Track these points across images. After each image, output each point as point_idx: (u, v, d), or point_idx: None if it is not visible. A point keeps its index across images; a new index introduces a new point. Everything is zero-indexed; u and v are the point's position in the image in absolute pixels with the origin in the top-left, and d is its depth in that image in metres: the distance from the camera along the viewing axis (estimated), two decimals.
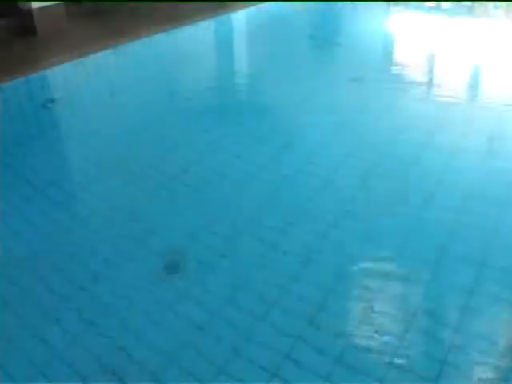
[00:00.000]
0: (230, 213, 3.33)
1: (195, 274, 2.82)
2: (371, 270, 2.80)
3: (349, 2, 9.50)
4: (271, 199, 3.48)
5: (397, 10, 10.43)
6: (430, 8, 10.53)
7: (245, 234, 3.12)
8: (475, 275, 2.69)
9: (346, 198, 3.44)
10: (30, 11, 7.17)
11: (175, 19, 7.94)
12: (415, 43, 7.38)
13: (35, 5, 7.19)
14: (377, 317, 2.48)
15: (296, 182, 3.66)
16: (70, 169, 4.25)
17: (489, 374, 2.17)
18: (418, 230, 3.08)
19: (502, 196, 3.37)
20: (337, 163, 3.87)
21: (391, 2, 9.92)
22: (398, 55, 7.20)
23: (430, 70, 6.39)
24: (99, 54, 6.50)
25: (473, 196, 3.39)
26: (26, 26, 7.23)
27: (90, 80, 6.24)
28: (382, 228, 3.12)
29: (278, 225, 3.17)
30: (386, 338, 2.36)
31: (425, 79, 5.99)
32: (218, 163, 3.96)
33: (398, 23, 9.04)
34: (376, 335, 2.38)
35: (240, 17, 8.86)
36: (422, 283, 2.69)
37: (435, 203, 3.33)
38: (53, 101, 5.34)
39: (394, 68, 6.50)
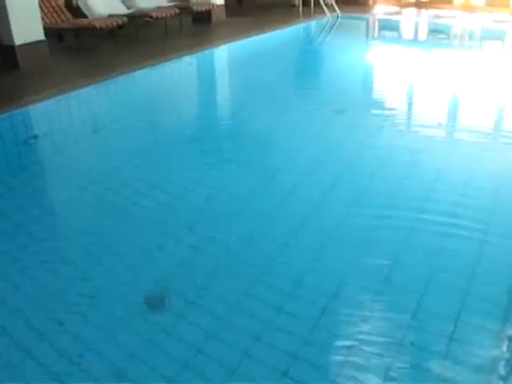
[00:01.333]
0: (213, 248, 3.32)
1: (177, 310, 2.78)
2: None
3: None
4: (254, 235, 3.47)
5: (375, 43, 10.73)
6: (409, 41, 10.85)
7: (226, 271, 3.10)
8: None
9: (330, 230, 3.45)
10: (12, 47, 7.23)
11: (156, 55, 8.03)
12: (395, 75, 7.56)
13: (18, 41, 7.25)
14: None
15: (277, 217, 3.65)
16: (51, 205, 4.21)
17: None
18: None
19: None
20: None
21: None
22: (378, 87, 7.36)
23: (410, 102, 6.55)
24: (82, 90, 6.52)
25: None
26: (8, 62, 7.27)
27: (73, 115, 6.26)
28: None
29: (261, 262, 3.16)
30: None
31: (404, 110, 6.14)
32: (202, 196, 3.95)
33: (377, 56, 9.24)
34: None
35: (223, 50, 9.03)
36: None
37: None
38: (35, 136, 5.32)
39: (374, 100, 6.63)
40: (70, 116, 6.31)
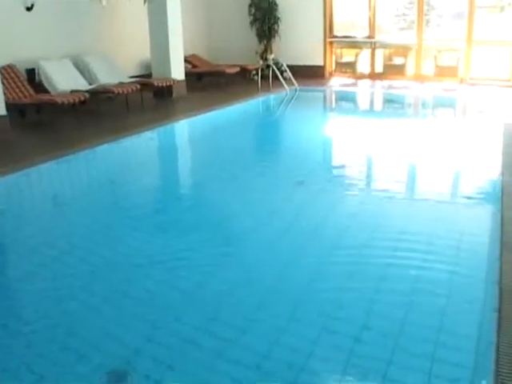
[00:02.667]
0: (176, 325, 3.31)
1: None
2: None
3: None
4: (214, 312, 3.46)
5: (333, 115, 11.10)
6: (365, 111, 11.27)
7: (190, 345, 3.08)
8: None
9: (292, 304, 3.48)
10: None
11: (118, 130, 8.14)
12: (353, 145, 7.82)
13: None
14: None
15: (237, 296, 3.63)
16: (5, 282, 4.14)
17: None
18: None
19: None
20: None
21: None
22: (337, 158, 7.60)
23: (368, 170, 6.76)
24: (42, 166, 6.52)
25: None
26: None
27: (33, 191, 6.25)
28: None
29: (224, 335, 3.16)
30: None
31: (362, 179, 6.33)
32: (162, 272, 3.95)
33: (335, 127, 9.54)
34: None
35: (184, 125, 9.20)
36: None
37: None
38: None
39: (333, 170, 6.82)
40: (31, 192, 6.29)
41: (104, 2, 11.43)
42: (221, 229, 4.81)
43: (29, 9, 9.85)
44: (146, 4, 10.70)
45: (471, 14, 12.82)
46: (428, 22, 13.93)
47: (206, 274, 3.89)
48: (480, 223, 4.77)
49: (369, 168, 6.94)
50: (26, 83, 9.35)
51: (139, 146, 8.09)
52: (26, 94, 9.19)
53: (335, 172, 6.74)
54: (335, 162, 7.44)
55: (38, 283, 3.88)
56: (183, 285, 3.77)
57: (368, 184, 6.21)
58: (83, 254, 4.35)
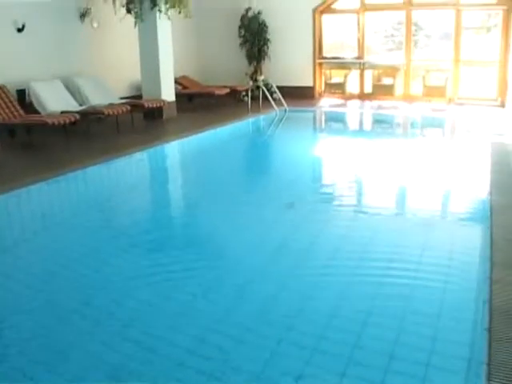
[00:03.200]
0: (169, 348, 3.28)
1: None
2: None
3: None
4: (200, 336, 3.42)
5: (323, 135, 11.16)
6: (354, 131, 11.33)
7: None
8: None
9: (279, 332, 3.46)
10: None
11: (108, 151, 8.14)
12: (343, 166, 7.86)
13: None
14: None
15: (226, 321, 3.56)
16: None
17: None
18: None
19: None
20: None
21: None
22: (327, 178, 7.63)
23: (359, 191, 6.78)
24: (32, 187, 6.49)
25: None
26: None
27: (23, 213, 6.21)
28: None
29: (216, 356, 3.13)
30: None
31: (352, 199, 6.35)
32: (146, 297, 3.91)
33: (325, 148, 9.58)
34: None
35: (174, 146, 9.21)
36: None
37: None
38: None
39: (323, 191, 6.83)
40: (20, 213, 6.25)
41: (95, 24, 11.52)
42: (209, 250, 4.79)
43: (20, 30, 9.90)
44: (137, 26, 10.78)
45: (458, 34, 13.01)
46: (416, 42, 14.13)
47: (186, 304, 3.81)
48: (470, 242, 4.79)
49: (358, 189, 6.96)
50: (16, 104, 9.36)
51: (129, 168, 8.09)
52: (16, 114, 9.19)
53: (325, 193, 6.75)
54: (325, 182, 7.46)
55: (25, 305, 3.84)
56: (167, 311, 3.74)
57: (357, 205, 6.21)
58: (70, 277, 4.31)
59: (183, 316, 3.60)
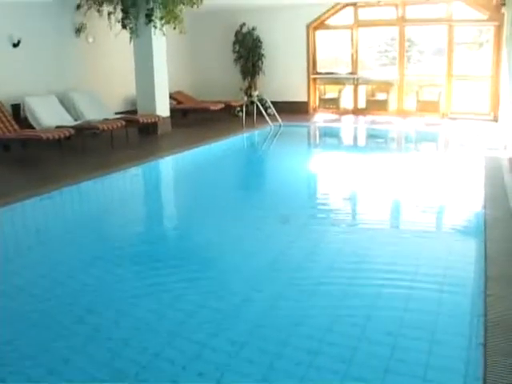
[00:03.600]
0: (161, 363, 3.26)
1: None
2: None
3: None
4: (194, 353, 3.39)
5: (317, 150, 11.21)
6: (348, 146, 11.39)
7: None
8: None
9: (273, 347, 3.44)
10: None
11: (102, 166, 8.13)
12: (337, 181, 7.89)
13: None
14: None
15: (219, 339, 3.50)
16: None
17: None
18: None
19: None
20: None
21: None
22: (321, 193, 7.64)
23: (353, 206, 6.79)
24: (26, 202, 6.47)
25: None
26: None
27: (16, 228, 6.19)
28: None
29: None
30: None
31: (347, 214, 6.36)
32: (142, 312, 3.89)
33: (319, 163, 9.61)
34: None
35: (168, 162, 9.22)
36: None
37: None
38: None
39: (318, 206, 6.84)
40: (14, 228, 6.23)
41: (90, 39, 11.58)
42: (200, 271, 4.76)
43: (15, 45, 9.93)
44: (132, 41, 10.83)
45: (451, 50, 13.14)
46: (409, 58, 14.26)
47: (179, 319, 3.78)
48: (464, 256, 4.79)
49: (353, 203, 6.96)
50: (11, 118, 9.36)
51: (124, 183, 8.08)
52: (11, 129, 9.18)
53: (319, 208, 6.75)
54: (320, 197, 7.46)
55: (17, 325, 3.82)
56: (160, 327, 3.73)
57: (351, 219, 6.21)
58: (68, 291, 4.29)
59: (175, 335, 3.59)
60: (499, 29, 12.22)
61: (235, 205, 6.79)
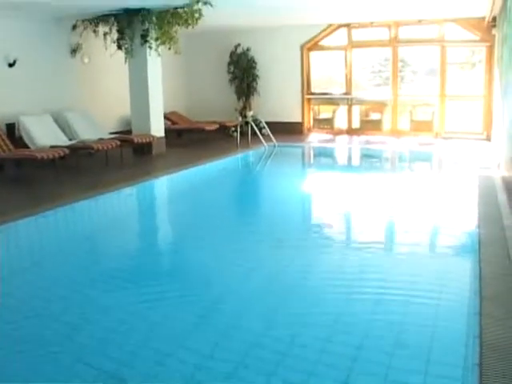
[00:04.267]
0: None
1: None
2: None
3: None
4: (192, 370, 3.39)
5: (311, 170, 11.23)
6: (343, 166, 11.42)
7: None
8: None
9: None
10: None
11: (97, 186, 8.14)
12: (332, 201, 7.87)
13: None
14: None
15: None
16: None
17: None
18: None
19: None
20: None
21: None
22: (316, 214, 7.63)
23: (348, 226, 6.79)
24: (20, 221, 6.46)
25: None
26: None
27: (10, 248, 6.16)
28: None
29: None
30: None
31: (342, 235, 6.35)
32: (140, 331, 3.88)
33: (314, 184, 9.61)
34: None
35: (163, 182, 9.22)
36: None
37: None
38: None
39: (312, 228, 6.84)
40: (8, 248, 6.19)
41: (86, 59, 11.65)
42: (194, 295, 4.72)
43: (11, 65, 9.98)
44: (127, 61, 10.89)
45: (443, 70, 13.27)
46: (403, 78, 14.38)
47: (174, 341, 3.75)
48: (459, 276, 4.78)
49: (347, 224, 6.95)
50: (5, 138, 9.39)
51: (118, 203, 8.07)
52: (6, 148, 9.20)
53: (314, 230, 6.74)
54: (314, 219, 7.45)
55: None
56: (159, 348, 3.70)
57: (346, 240, 6.18)
58: (60, 310, 4.27)
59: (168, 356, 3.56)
60: (491, 49, 12.37)
61: (229, 225, 6.78)
